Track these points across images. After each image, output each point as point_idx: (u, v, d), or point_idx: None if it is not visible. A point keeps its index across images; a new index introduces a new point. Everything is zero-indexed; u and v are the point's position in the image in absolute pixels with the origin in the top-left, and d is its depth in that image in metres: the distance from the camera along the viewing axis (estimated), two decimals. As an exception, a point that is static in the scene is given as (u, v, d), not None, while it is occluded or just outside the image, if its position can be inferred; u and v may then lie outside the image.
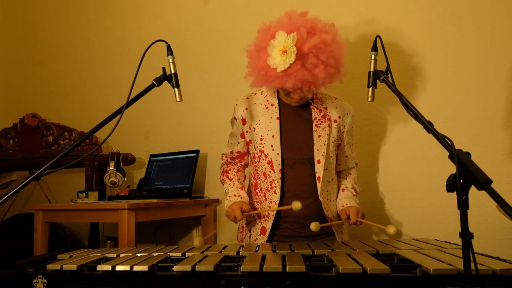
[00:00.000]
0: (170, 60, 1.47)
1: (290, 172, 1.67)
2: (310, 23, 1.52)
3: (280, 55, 1.47)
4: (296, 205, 1.47)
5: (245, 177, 1.88)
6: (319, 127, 1.69)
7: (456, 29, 2.04)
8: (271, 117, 1.70)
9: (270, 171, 1.67)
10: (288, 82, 1.50)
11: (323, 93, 1.78)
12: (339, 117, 1.73)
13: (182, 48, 2.58)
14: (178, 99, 1.47)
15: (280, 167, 1.66)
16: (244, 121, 1.74)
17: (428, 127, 1.11)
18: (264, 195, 1.70)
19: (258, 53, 1.57)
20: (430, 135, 1.09)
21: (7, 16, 3.49)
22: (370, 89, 1.39)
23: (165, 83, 1.47)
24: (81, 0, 3.15)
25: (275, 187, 1.66)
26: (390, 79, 1.32)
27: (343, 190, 1.79)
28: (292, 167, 1.67)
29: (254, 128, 1.72)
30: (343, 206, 1.72)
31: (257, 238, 1.71)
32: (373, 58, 1.40)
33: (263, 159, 1.69)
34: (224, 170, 1.88)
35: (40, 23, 3.32)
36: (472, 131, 1.98)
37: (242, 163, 1.87)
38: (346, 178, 1.83)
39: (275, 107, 1.71)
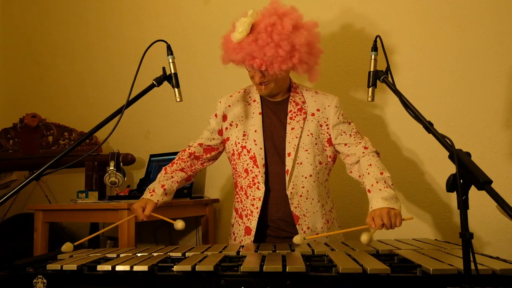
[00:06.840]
0: (170, 60, 1.47)
1: (273, 168, 1.63)
2: (284, 9, 1.53)
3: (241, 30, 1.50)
4: (177, 224, 1.51)
5: (194, 173, 1.74)
6: (293, 119, 1.64)
7: (456, 29, 2.04)
8: (253, 112, 1.68)
9: (252, 167, 1.62)
10: (239, 54, 1.50)
11: (305, 88, 1.73)
12: (318, 109, 1.66)
13: (182, 48, 2.57)
14: (178, 99, 1.47)
15: (263, 161, 1.61)
16: (225, 118, 1.71)
17: (428, 127, 1.11)
18: (245, 193, 1.64)
19: (230, 33, 1.59)
20: (430, 135, 1.09)
21: (7, 16, 3.49)
22: (370, 89, 1.38)
23: (165, 83, 1.47)
24: (80, 0, 3.15)
25: (259, 182, 1.60)
26: (390, 79, 1.32)
27: (369, 191, 1.49)
28: (275, 162, 1.63)
29: (237, 124, 1.68)
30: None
31: (242, 240, 1.66)
32: (373, 58, 1.40)
33: (244, 155, 1.64)
34: (173, 160, 1.73)
35: (39, 23, 3.32)
36: (472, 131, 1.98)
37: (208, 155, 1.76)
38: (368, 174, 1.53)
39: (257, 102, 1.70)
